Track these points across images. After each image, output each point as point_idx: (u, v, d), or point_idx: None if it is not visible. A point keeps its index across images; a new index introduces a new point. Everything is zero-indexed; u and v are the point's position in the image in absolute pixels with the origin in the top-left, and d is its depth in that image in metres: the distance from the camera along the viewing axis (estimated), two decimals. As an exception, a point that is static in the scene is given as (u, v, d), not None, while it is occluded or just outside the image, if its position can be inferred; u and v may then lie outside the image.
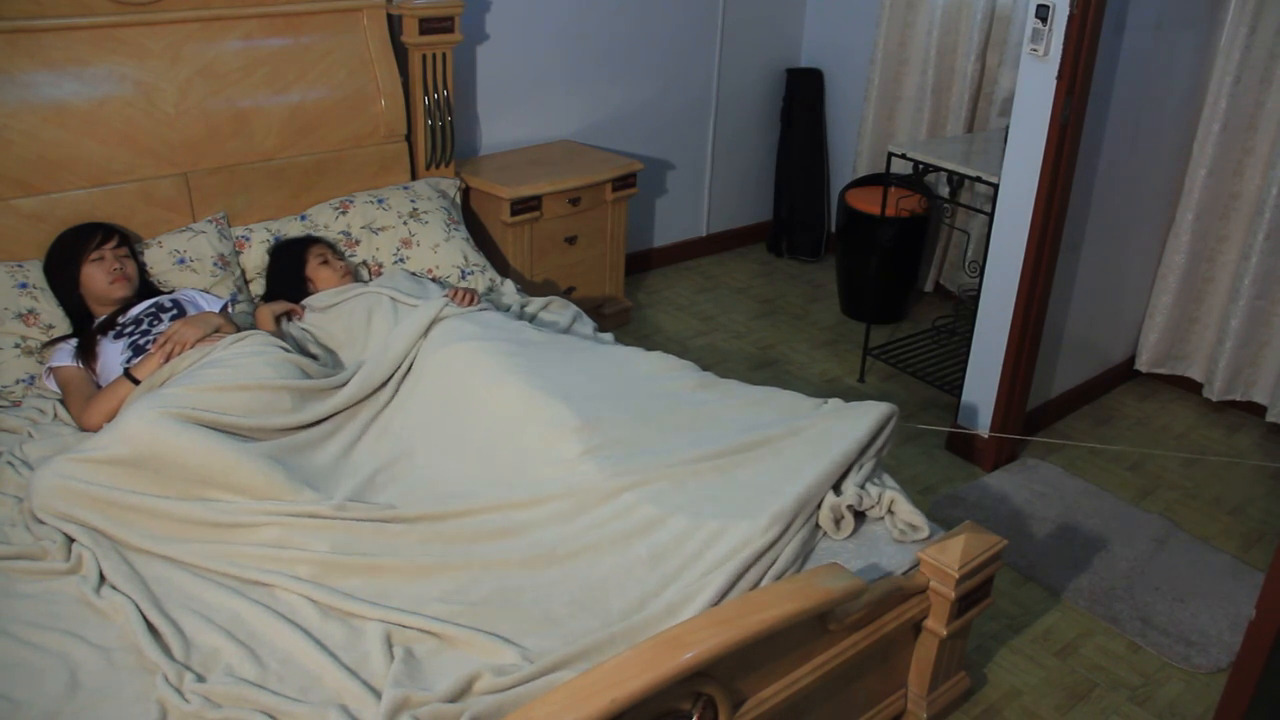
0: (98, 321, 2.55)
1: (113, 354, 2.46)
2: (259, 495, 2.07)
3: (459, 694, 1.62)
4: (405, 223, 3.16)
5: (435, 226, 3.17)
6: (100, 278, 2.54)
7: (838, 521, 2.06)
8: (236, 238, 2.95)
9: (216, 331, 2.46)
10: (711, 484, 2.09)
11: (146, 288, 2.67)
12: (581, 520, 2.02)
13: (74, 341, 2.50)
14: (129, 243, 2.66)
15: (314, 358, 2.56)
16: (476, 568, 1.93)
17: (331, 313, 2.73)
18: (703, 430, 2.26)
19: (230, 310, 2.70)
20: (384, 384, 2.45)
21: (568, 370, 2.43)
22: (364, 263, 3.07)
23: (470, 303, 2.73)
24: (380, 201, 3.17)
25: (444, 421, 2.34)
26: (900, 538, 2.09)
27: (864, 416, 2.23)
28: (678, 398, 2.40)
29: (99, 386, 2.44)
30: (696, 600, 1.81)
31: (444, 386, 2.40)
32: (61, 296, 2.57)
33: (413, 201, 3.21)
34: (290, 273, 2.85)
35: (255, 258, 2.95)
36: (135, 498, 2.02)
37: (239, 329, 2.54)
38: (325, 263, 2.87)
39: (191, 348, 2.39)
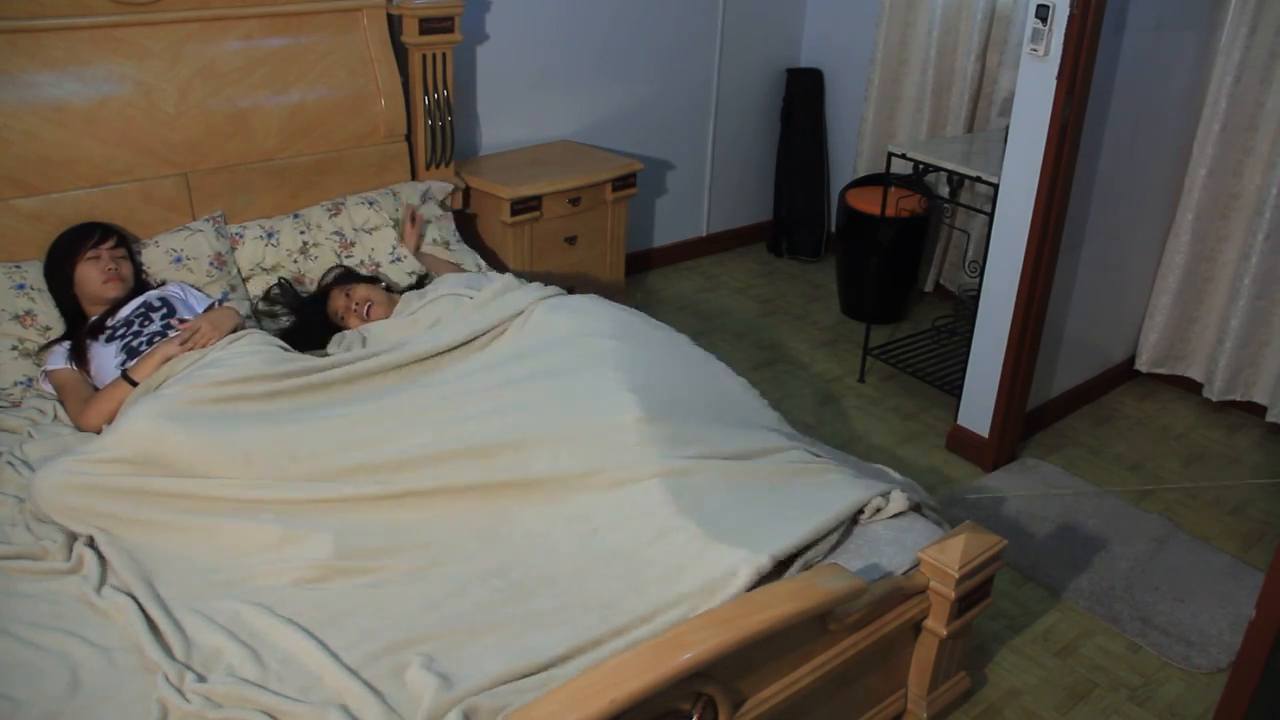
0: (88, 324, 2.54)
1: (106, 358, 2.46)
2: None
3: (493, 687, 1.62)
4: (393, 226, 3.16)
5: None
6: (94, 276, 2.54)
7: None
8: (231, 234, 2.95)
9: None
10: (760, 487, 2.13)
11: (140, 286, 2.67)
12: (621, 494, 2.05)
13: (68, 344, 2.50)
14: (127, 244, 2.66)
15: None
16: (518, 540, 1.96)
17: (411, 317, 2.72)
18: (762, 440, 2.28)
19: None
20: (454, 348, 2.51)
21: (657, 365, 2.45)
22: (361, 262, 3.08)
23: (415, 222, 3.17)
24: (371, 204, 3.17)
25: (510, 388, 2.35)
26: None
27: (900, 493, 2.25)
28: (749, 413, 2.43)
29: (95, 388, 2.44)
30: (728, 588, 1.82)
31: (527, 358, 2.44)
32: (58, 296, 2.57)
33: (398, 212, 3.21)
34: (325, 323, 2.82)
35: (250, 255, 2.95)
36: (144, 480, 2.04)
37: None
38: (349, 295, 2.82)
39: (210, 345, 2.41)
